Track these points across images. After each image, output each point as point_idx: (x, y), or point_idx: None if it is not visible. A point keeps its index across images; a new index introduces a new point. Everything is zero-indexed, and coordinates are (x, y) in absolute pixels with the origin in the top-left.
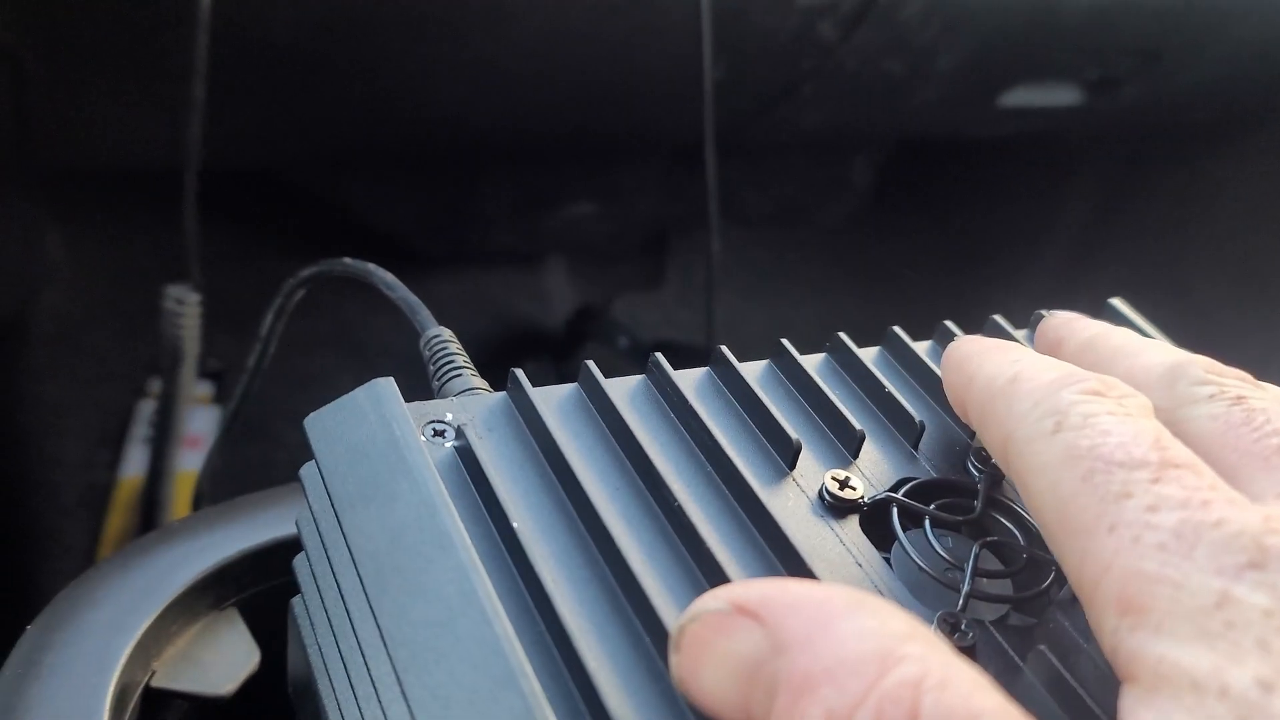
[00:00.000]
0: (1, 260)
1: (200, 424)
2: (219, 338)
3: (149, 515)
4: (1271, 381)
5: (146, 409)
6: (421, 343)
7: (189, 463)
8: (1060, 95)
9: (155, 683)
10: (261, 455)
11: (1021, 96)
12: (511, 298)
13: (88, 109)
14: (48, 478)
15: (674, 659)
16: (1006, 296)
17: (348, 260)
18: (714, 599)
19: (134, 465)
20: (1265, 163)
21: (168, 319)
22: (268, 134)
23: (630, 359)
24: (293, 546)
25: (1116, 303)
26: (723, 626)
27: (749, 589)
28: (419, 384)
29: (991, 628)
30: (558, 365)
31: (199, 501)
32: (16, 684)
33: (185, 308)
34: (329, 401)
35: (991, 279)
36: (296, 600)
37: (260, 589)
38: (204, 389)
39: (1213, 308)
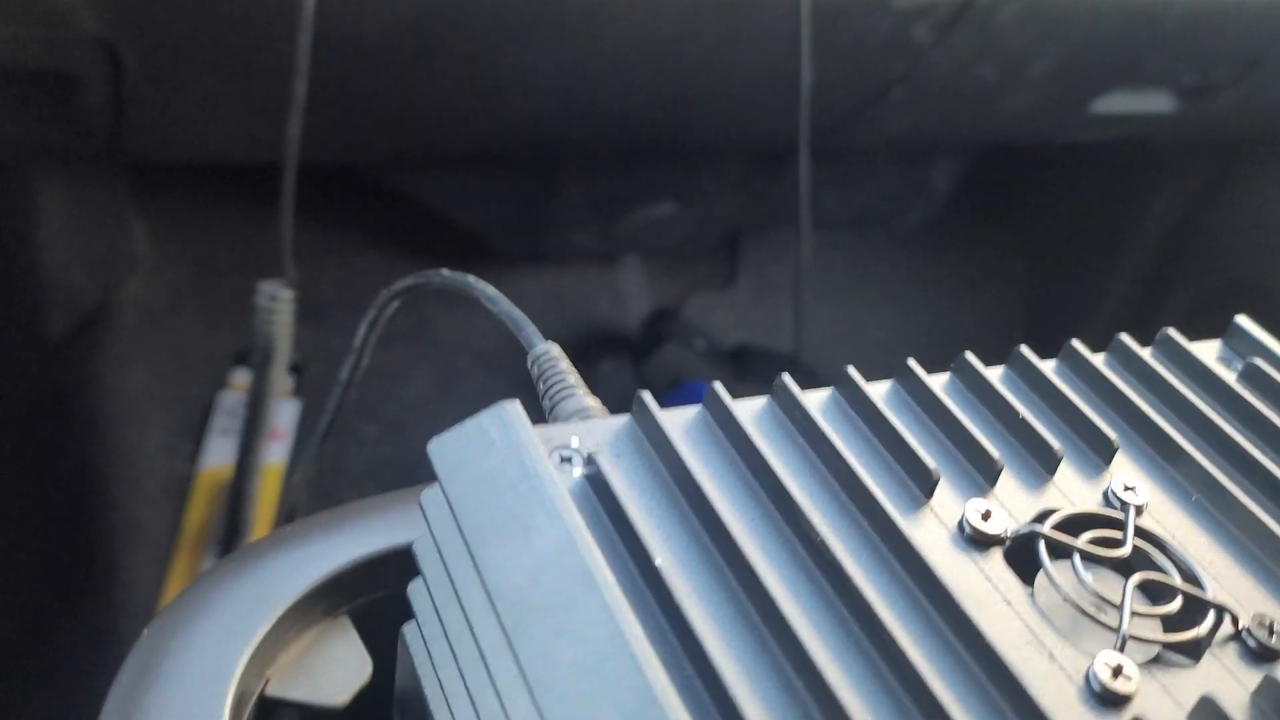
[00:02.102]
0: (88, 250)
1: (282, 417)
2: (299, 331)
3: (235, 508)
4: None
5: (227, 400)
6: (529, 360)
7: (271, 455)
8: (1155, 101)
9: (270, 691)
10: (338, 450)
11: (1115, 103)
12: (588, 297)
13: (183, 104)
14: (129, 466)
15: None
16: (1086, 306)
17: (446, 272)
18: None
19: (214, 456)
20: None
21: (261, 315)
22: (358, 132)
23: (709, 361)
24: (405, 555)
25: (1243, 322)
26: None
27: None
28: (503, 381)
29: (1151, 672)
30: (635, 365)
31: (290, 502)
32: (134, 689)
33: (278, 304)
34: (405, 398)
35: (1072, 288)
36: (410, 627)
37: (373, 597)
38: (286, 382)
39: None
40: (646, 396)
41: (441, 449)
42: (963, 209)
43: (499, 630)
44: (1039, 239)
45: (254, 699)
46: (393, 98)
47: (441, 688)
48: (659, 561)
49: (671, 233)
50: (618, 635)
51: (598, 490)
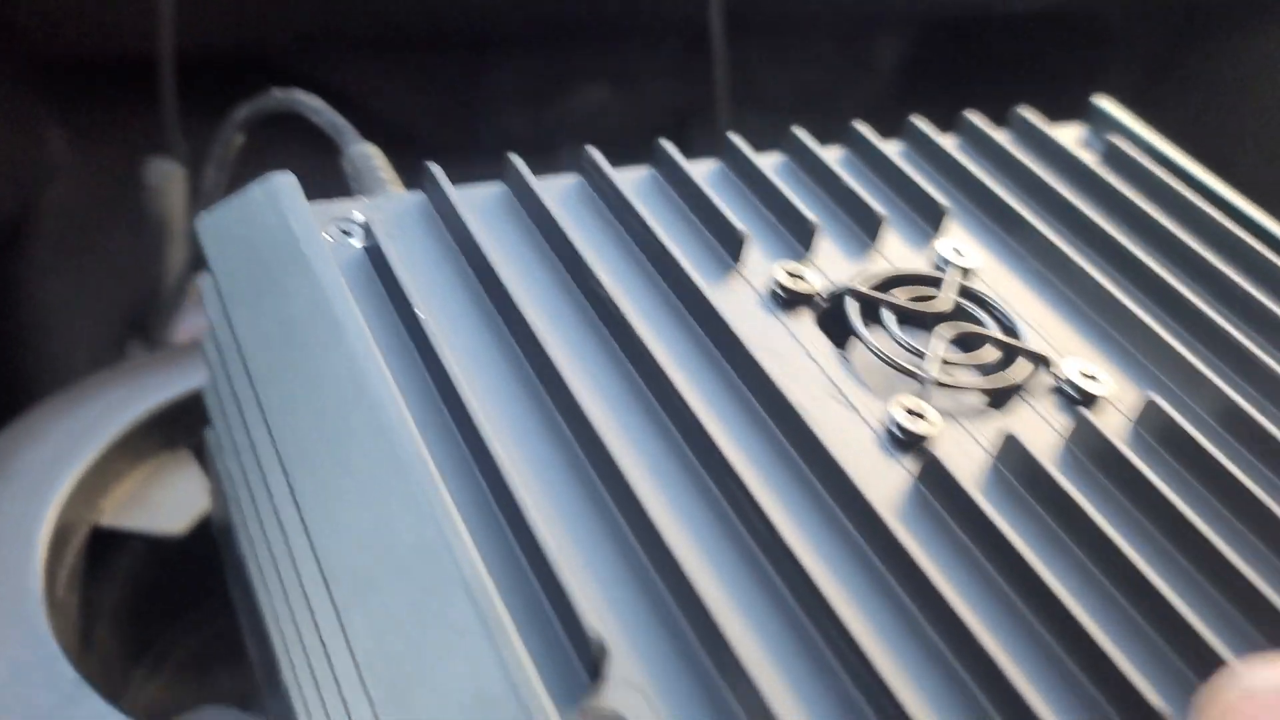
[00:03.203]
0: (3, 159)
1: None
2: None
3: None
4: None
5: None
6: (344, 161)
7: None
8: None
9: (104, 522)
10: None
11: None
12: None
13: None
14: (57, 374)
15: None
16: None
17: (276, 92)
18: (1265, 678)
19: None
20: None
21: (151, 194)
22: (262, 13)
23: None
24: None
25: (1102, 102)
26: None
27: None
28: None
29: (959, 419)
30: None
31: None
32: None
33: (170, 183)
34: None
35: None
36: (208, 430)
37: None
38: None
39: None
40: (436, 169)
41: (209, 224)
42: (906, 89)
43: (250, 390)
44: (990, 116)
45: (86, 531)
46: None
47: (231, 480)
48: (421, 315)
49: (609, 118)
50: (364, 381)
51: (375, 260)
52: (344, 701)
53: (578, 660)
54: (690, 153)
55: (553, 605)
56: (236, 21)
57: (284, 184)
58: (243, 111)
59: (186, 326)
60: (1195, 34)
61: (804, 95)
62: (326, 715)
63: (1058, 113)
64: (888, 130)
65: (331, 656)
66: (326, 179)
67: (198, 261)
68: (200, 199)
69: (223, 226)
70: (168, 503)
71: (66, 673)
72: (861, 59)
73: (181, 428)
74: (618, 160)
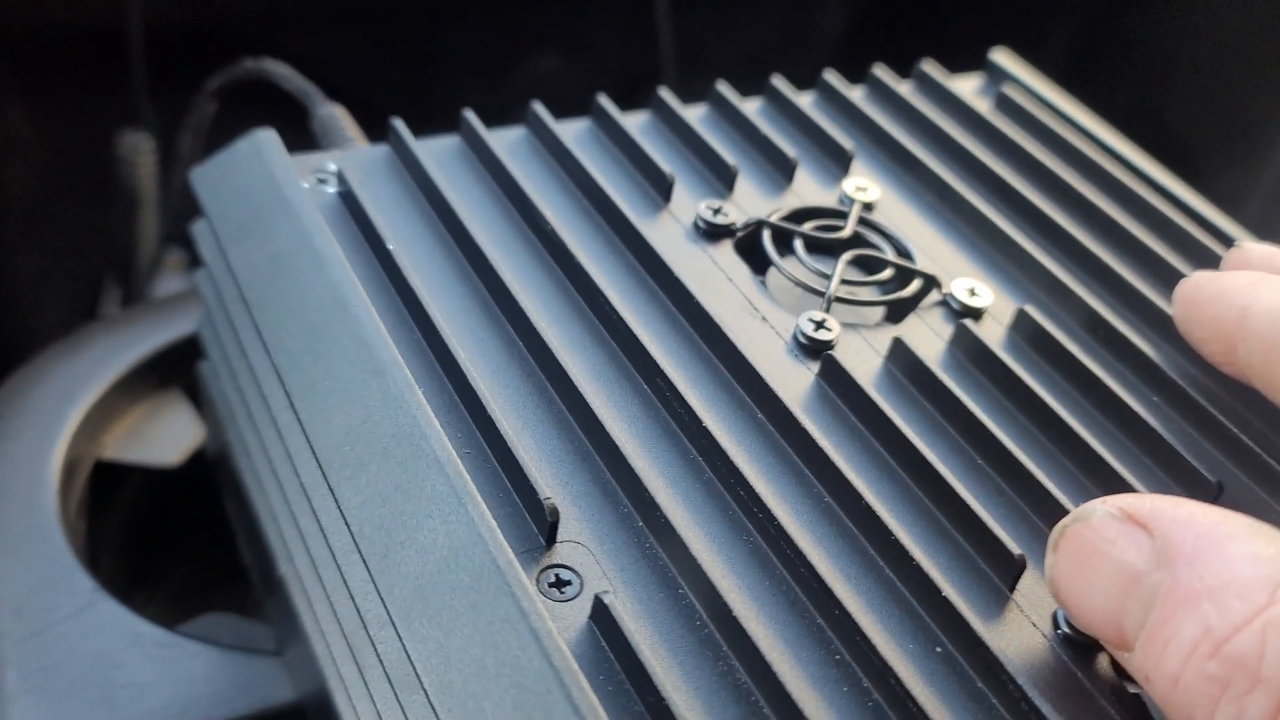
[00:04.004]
0: None
1: (173, 286)
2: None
3: None
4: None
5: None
6: (313, 122)
7: None
8: None
9: (106, 455)
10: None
11: None
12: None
13: None
14: (28, 349)
15: (1051, 558)
16: None
17: (248, 62)
18: (1104, 505)
19: None
20: None
21: (122, 167)
22: None
23: None
24: None
25: (998, 55)
26: (1110, 533)
27: (1141, 500)
28: None
29: (858, 330)
30: None
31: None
32: None
33: (140, 155)
34: None
35: None
36: (203, 363)
37: None
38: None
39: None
40: (399, 124)
41: (201, 176)
42: (856, 53)
43: (246, 314)
44: None
45: (90, 464)
46: None
47: (227, 400)
48: (392, 246)
49: (563, 85)
50: (344, 299)
51: (348, 204)
52: (339, 569)
53: (533, 524)
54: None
55: (510, 480)
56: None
57: (267, 139)
58: (215, 81)
59: (160, 291)
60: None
61: (749, 58)
62: (324, 588)
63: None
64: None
65: (328, 534)
66: (291, 144)
67: (170, 230)
68: (177, 165)
69: (215, 177)
70: (163, 437)
71: (84, 581)
72: (806, 22)
73: (173, 370)
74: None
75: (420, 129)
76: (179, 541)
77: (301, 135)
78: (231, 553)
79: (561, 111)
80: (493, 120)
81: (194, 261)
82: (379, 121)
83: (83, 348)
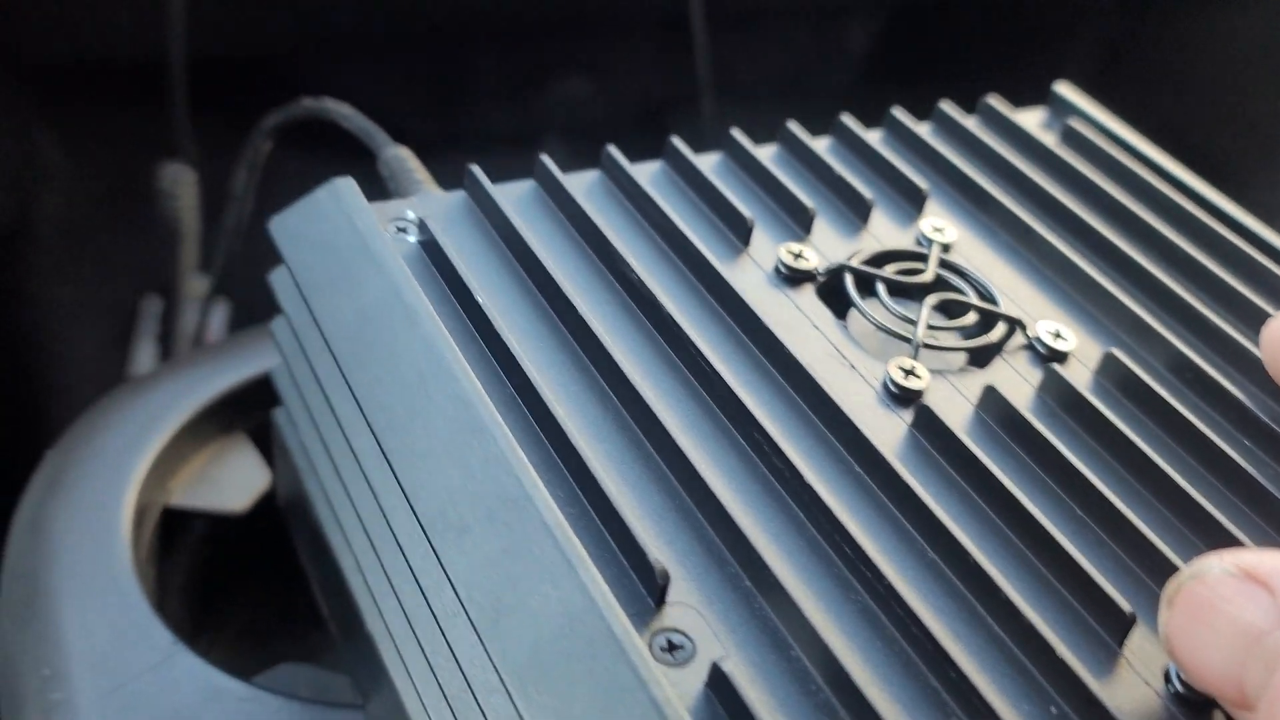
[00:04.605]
0: None
1: (214, 321)
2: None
3: None
4: None
5: (153, 305)
6: (379, 164)
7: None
8: None
9: (174, 502)
10: (248, 300)
11: None
12: (509, 179)
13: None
14: (62, 379)
15: (1165, 615)
16: None
17: (307, 101)
18: (1221, 561)
19: (145, 360)
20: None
21: (164, 199)
22: (255, 17)
23: None
24: None
25: (1062, 88)
26: (1228, 591)
27: (1261, 557)
28: None
29: (946, 376)
30: None
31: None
32: (40, 503)
33: (181, 187)
34: None
35: None
36: (279, 410)
37: (269, 416)
38: (202, 284)
39: (1218, 163)
40: (477, 170)
41: (281, 225)
42: (880, 72)
43: (336, 369)
44: (958, 99)
45: (158, 511)
46: None
47: (305, 451)
48: (481, 299)
49: (590, 111)
50: (439, 355)
51: (430, 253)
52: (442, 631)
53: (641, 586)
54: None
55: (615, 540)
56: (238, 26)
57: (346, 187)
58: (272, 119)
59: (199, 322)
60: (1151, 15)
61: (779, 82)
62: (422, 649)
63: (1021, 89)
64: (863, 113)
65: (428, 594)
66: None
67: (207, 262)
68: (231, 203)
69: (295, 227)
70: (230, 483)
71: (163, 634)
72: (834, 45)
73: (238, 413)
74: (596, 149)
75: (449, 151)
76: (243, 585)
77: (353, 167)
78: (295, 598)
79: (590, 135)
80: (520, 146)
81: (219, 291)
82: (409, 143)
83: (149, 391)
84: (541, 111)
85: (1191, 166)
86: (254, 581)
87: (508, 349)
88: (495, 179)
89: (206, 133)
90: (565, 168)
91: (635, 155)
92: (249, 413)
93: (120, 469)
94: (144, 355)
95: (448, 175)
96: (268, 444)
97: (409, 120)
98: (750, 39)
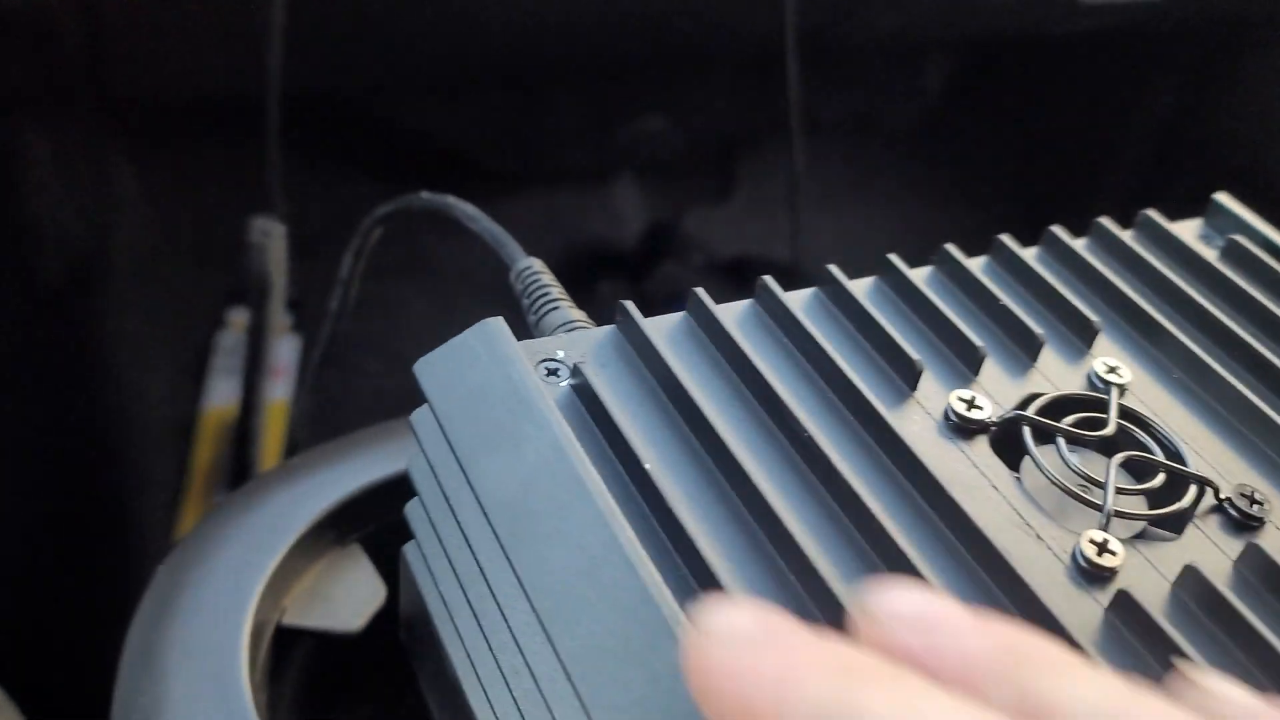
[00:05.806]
0: (77, 196)
1: (283, 354)
2: (294, 264)
3: (242, 446)
4: None
5: (226, 340)
6: (512, 276)
7: (274, 392)
8: None
9: (286, 620)
10: (342, 384)
11: None
12: (582, 215)
13: (160, 37)
14: (133, 412)
15: None
16: (1084, 200)
17: (425, 194)
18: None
19: (217, 396)
20: None
21: (254, 251)
22: (342, 60)
23: (707, 275)
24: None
25: (1222, 199)
26: None
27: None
28: (503, 308)
29: (1136, 546)
30: (635, 285)
31: (292, 437)
32: (154, 624)
33: (271, 240)
34: (406, 329)
35: (1069, 183)
36: (410, 547)
37: (382, 524)
38: (284, 318)
39: None
40: (630, 305)
41: (428, 368)
42: (957, 108)
43: (494, 541)
44: (1035, 135)
45: (272, 628)
46: (373, 21)
47: (444, 601)
48: (648, 465)
49: (664, 146)
50: (611, 538)
51: (584, 399)
52: None
53: None
54: (742, 174)
55: None
56: (332, 68)
57: (498, 331)
58: (386, 208)
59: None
60: (1236, 48)
61: (855, 118)
62: None
63: (1103, 131)
64: (935, 153)
65: None
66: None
67: (293, 308)
68: (338, 288)
69: (441, 368)
70: (344, 600)
71: None
72: (912, 82)
73: (353, 523)
74: (674, 189)
75: (518, 192)
76: (354, 702)
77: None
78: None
79: (664, 172)
80: (592, 183)
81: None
82: (486, 180)
83: (258, 504)
84: (616, 148)
85: None
86: (365, 699)
87: (681, 528)
88: (571, 216)
89: (287, 166)
90: (640, 206)
91: (708, 193)
92: (363, 523)
93: (238, 590)
94: (217, 390)
95: (522, 208)
96: (380, 554)
97: (485, 155)
98: (834, 76)
